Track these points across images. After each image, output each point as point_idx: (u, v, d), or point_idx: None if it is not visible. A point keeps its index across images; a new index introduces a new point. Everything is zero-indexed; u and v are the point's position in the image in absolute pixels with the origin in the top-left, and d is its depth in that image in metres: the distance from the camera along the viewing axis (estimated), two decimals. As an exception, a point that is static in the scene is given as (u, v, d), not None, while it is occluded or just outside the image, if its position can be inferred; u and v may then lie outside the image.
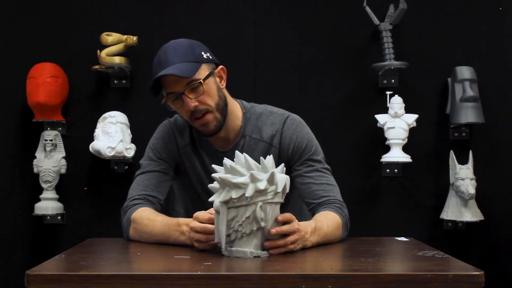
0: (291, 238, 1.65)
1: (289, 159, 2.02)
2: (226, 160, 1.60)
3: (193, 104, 1.88)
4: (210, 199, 1.62)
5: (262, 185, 1.56)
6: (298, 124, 2.06)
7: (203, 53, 1.92)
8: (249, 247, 1.60)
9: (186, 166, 2.06)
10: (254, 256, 1.60)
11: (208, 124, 1.92)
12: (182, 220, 1.78)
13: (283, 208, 1.69)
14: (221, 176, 1.58)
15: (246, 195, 1.55)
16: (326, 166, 2.04)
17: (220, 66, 1.98)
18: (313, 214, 1.95)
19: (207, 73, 1.91)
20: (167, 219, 1.84)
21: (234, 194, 1.56)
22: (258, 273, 1.41)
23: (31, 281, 1.38)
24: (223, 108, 1.95)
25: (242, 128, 2.03)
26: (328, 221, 1.84)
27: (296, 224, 1.66)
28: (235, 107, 2.04)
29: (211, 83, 1.92)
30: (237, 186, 1.56)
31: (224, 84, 1.99)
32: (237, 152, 1.63)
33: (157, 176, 2.01)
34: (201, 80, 1.88)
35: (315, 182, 1.98)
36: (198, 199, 2.10)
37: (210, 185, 1.64)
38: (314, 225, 1.77)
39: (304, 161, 2.01)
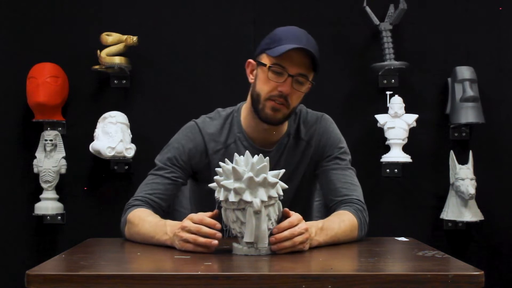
0: (299, 238, 1.63)
1: (319, 157, 2.03)
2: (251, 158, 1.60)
3: (289, 92, 1.87)
4: (231, 199, 1.57)
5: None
6: (331, 123, 2.08)
7: None
8: (267, 244, 1.61)
9: (211, 173, 1.93)
10: (268, 253, 1.61)
11: (279, 111, 1.90)
12: (170, 221, 1.77)
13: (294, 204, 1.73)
14: (264, 175, 1.56)
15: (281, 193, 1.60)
16: (352, 168, 2.04)
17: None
18: (333, 211, 1.93)
19: (311, 79, 1.92)
20: (156, 220, 1.81)
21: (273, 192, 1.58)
22: (258, 273, 1.41)
23: (31, 281, 1.37)
24: (292, 113, 1.96)
25: (287, 128, 2.03)
26: (340, 221, 1.83)
27: (304, 224, 1.65)
28: None
29: (307, 89, 1.93)
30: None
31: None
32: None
33: (165, 184, 1.97)
34: (311, 82, 1.91)
35: (340, 180, 1.98)
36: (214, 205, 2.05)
37: (224, 182, 1.59)
38: (321, 225, 1.75)
39: (332, 158, 2.02)
